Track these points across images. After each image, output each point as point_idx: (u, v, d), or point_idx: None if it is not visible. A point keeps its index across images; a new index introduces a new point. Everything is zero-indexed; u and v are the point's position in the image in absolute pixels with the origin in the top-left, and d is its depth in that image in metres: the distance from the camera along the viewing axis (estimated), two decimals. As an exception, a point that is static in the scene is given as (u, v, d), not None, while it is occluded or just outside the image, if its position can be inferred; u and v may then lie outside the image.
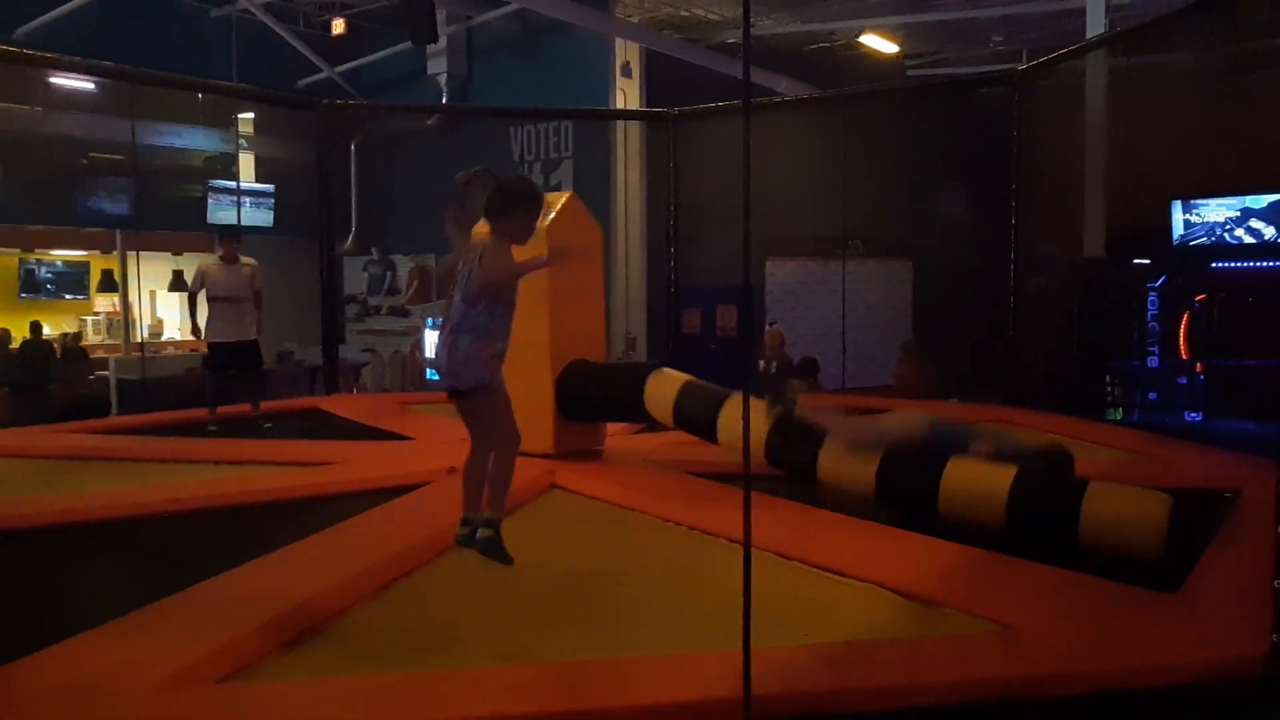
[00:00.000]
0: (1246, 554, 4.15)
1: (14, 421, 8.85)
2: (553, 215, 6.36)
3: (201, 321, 8.24)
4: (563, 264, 3.60)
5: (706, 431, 5.61)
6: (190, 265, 14.94)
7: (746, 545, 2.84)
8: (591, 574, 4.39)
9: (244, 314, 8.15)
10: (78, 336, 13.60)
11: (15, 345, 12.69)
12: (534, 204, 3.59)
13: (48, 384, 11.73)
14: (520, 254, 3.69)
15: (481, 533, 3.49)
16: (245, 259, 8.28)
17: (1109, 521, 4.36)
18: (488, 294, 3.41)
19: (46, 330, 13.08)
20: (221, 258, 8.20)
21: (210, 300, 8.12)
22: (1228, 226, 10.33)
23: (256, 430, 8.01)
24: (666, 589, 4.18)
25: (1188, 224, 10.47)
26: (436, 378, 3.72)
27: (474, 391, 3.49)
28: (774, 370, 8.69)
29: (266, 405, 8.65)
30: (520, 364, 6.77)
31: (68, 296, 14.66)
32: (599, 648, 3.51)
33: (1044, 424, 7.89)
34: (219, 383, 8.19)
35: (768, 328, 9.55)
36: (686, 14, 12.63)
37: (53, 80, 12.16)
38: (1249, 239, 10.21)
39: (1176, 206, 10.42)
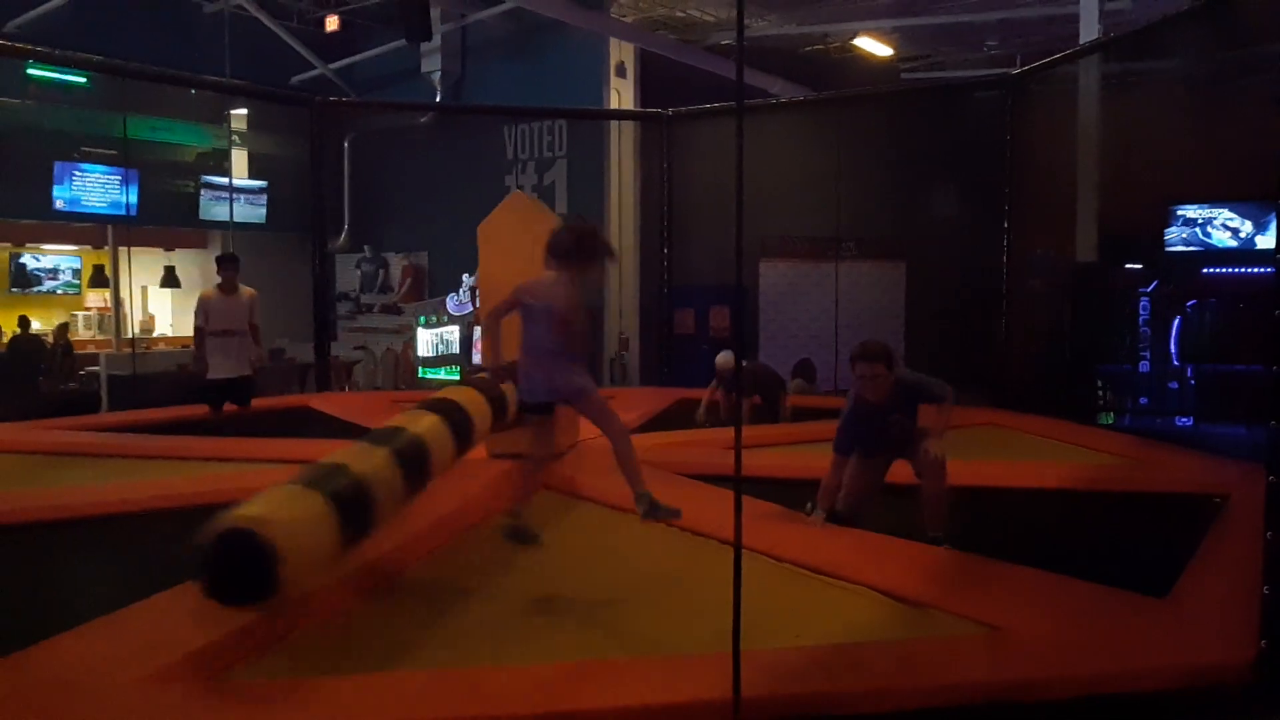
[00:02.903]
0: (1235, 559, 4.16)
1: (3, 416, 8.81)
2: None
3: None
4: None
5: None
6: (182, 261, 14.98)
7: (737, 547, 2.85)
8: (581, 575, 4.39)
9: (240, 348, 7.94)
10: (64, 328, 13.50)
11: (4, 341, 12.64)
12: (599, 246, 4.34)
13: (38, 378, 11.70)
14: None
15: (643, 509, 4.07)
16: (245, 288, 8.09)
17: None
18: (571, 324, 4.15)
19: (36, 325, 13.03)
20: (219, 286, 7.99)
21: (209, 334, 7.94)
22: (1218, 232, 10.37)
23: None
24: (656, 590, 4.18)
25: (1180, 229, 10.50)
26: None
27: (578, 394, 4.20)
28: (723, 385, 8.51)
29: (257, 403, 8.61)
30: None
31: (59, 292, 14.60)
32: (588, 649, 3.51)
33: (1035, 427, 7.92)
34: (215, 413, 8.09)
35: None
36: (681, 14, 12.62)
37: (44, 74, 12.14)
38: (1234, 243, 10.26)
39: (1174, 212, 10.45)
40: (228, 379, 7.87)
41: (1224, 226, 10.38)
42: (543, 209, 6.85)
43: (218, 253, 14.47)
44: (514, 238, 6.41)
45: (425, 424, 4.67)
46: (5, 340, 12.65)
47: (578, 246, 4.21)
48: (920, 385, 4.80)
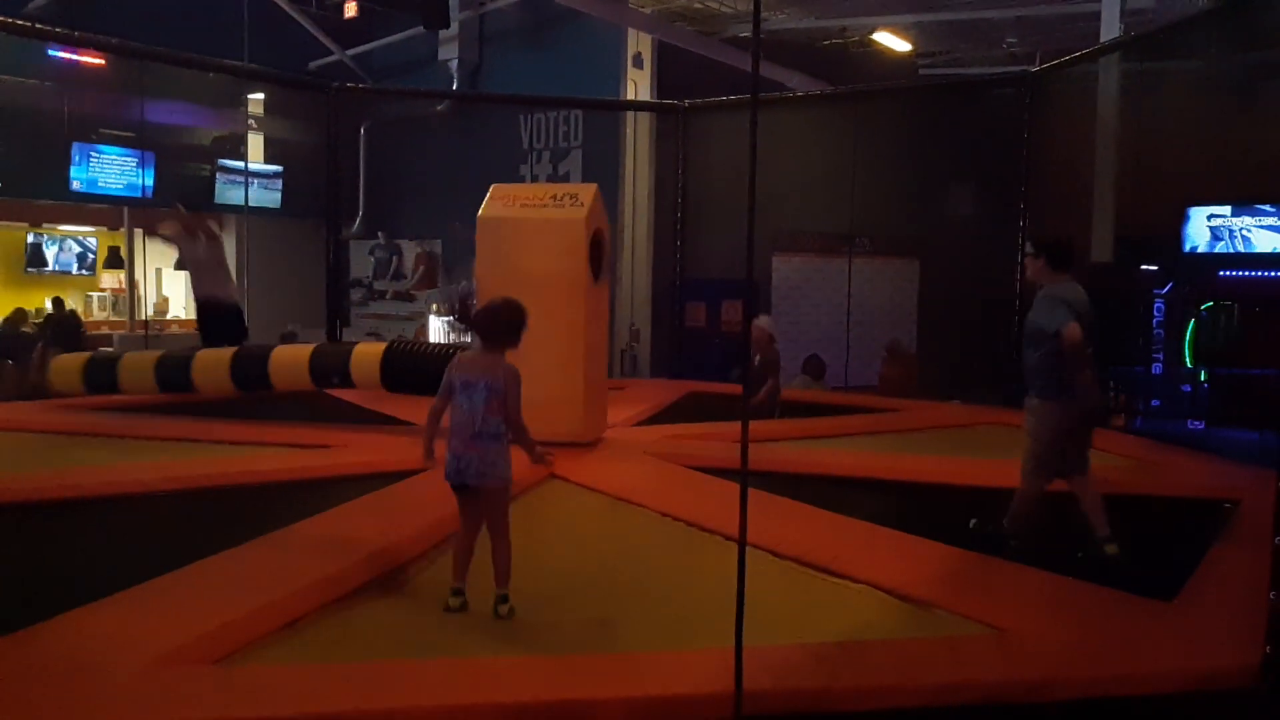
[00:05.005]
0: (1243, 564, 4.15)
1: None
2: (587, 207, 6.52)
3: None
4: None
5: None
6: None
7: (741, 542, 2.85)
8: (586, 566, 4.40)
9: (208, 279, 8.31)
10: (58, 302, 13.56)
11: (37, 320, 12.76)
12: (525, 324, 4.04)
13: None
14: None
15: (503, 608, 3.78)
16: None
17: None
18: (508, 404, 3.88)
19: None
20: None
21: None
22: (1236, 234, 10.31)
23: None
24: (661, 583, 4.18)
25: (1200, 231, 10.44)
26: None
27: (501, 489, 3.91)
28: (757, 364, 8.43)
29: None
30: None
31: (74, 272, 14.67)
32: (592, 640, 3.52)
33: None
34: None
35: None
36: (699, 6, 12.57)
37: (63, 55, 12.18)
38: (1257, 248, 10.19)
39: (1192, 213, 10.38)
40: (207, 300, 8.20)
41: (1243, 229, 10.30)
42: (526, 190, 6.92)
43: (233, 237, 14.62)
44: (505, 228, 6.49)
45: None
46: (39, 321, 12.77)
47: (508, 324, 3.95)
48: (1042, 303, 4.64)
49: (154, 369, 7.47)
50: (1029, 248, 4.88)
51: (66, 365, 7.73)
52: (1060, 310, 4.53)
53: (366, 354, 7.25)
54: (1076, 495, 4.64)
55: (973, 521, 4.91)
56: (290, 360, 7.38)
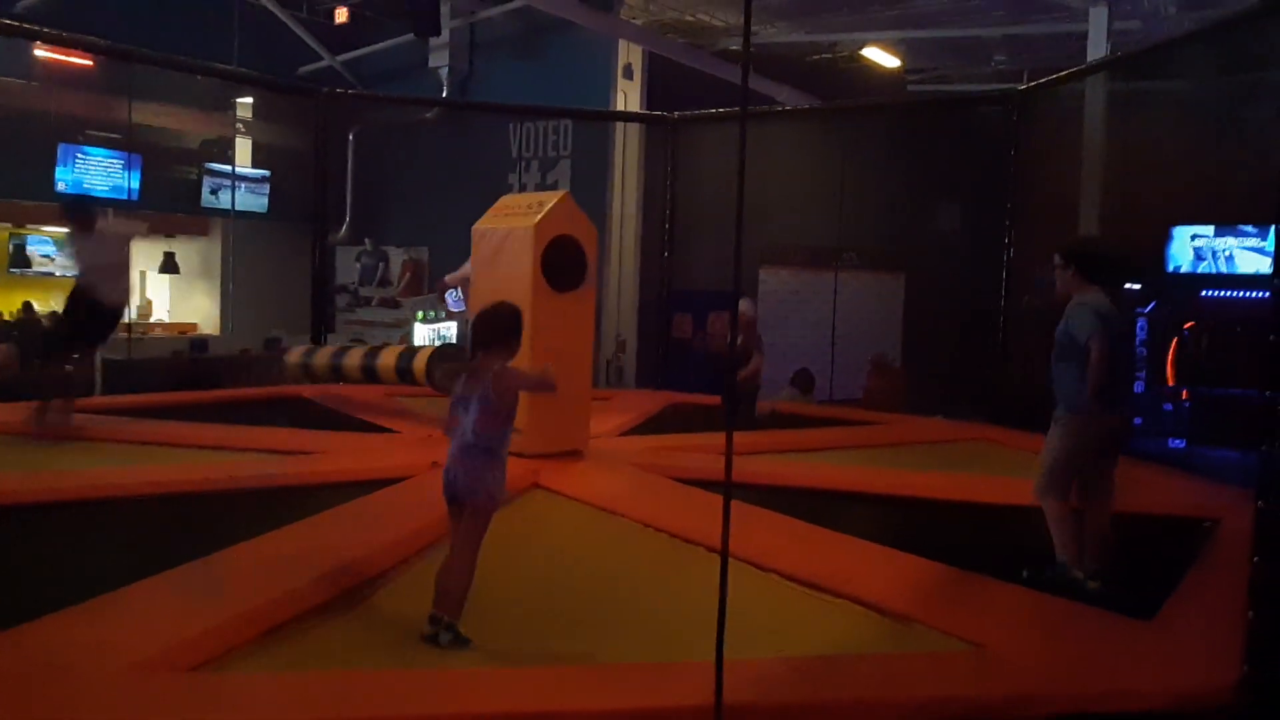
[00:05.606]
0: (1223, 584, 4.16)
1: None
2: (542, 214, 6.38)
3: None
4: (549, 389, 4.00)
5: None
6: (182, 247, 14.97)
7: (724, 555, 2.84)
8: (569, 577, 4.39)
9: (106, 284, 7.12)
10: (28, 307, 13.42)
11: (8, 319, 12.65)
12: (521, 326, 3.87)
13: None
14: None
15: (443, 636, 3.51)
16: (111, 223, 7.71)
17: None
18: (502, 415, 3.67)
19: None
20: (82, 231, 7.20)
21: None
22: (1219, 255, 10.40)
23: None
24: (643, 595, 4.17)
25: (1183, 251, 10.53)
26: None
27: (482, 503, 3.66)
28: (740, 345, 8.35)
29: (253, 391, 8.69)
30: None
31: (58, 274, 14.56)
32: (573, 651, 3.51)
33: (1028, 444, 7.90)
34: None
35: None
36: (690, 19, 12.61)
37: (51, 56, 12.12)
38: (1240, 268, 10.29)
39: (1176, 233, 10.48)
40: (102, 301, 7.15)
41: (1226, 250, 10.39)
42: (538, 200, 6.84)
43: (219, 241, 14.57)
44: (483, 239, 6.55)
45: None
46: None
47: (497, 330, 3.76)
48: (1074, 312, 4.45)
49: (330, 362, 8.71)
50: (1056, 258, 4.62)
51: (293, 360, 9.04)
52: (1091, 319, 4.37)
53: (422, 357, 7.98)
54: (1086, 518, 4.46)
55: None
56: (386, 363, 8.23)
